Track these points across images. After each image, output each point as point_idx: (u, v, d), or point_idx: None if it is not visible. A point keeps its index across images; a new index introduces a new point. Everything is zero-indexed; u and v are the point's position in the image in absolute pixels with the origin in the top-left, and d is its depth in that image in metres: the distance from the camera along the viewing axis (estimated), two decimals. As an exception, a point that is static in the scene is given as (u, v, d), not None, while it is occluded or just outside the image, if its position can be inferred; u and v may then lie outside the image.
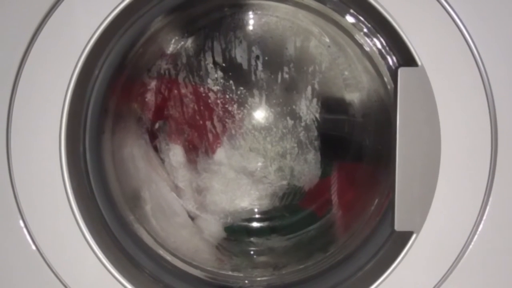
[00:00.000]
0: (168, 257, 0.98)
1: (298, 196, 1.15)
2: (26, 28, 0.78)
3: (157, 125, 1.11)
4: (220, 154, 1.13)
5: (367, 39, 0.90)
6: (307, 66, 1.09)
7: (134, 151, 1.07)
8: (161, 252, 0.99)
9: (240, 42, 1.09)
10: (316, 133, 1.11)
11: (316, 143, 1.12)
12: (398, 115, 0.79)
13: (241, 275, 1.03)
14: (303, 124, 1.11)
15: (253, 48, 1.09)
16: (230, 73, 1.10)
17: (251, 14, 1.09)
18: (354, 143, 1.12)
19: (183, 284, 0.93)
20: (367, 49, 0.92)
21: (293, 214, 1.16)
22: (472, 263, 0.81)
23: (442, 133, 0.78)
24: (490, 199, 0.80)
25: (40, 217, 0.81)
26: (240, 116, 1.11)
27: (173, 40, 1.08)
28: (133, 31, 0.89)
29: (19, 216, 0.81)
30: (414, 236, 0.80)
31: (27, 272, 0.82)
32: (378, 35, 0.87)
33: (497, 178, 0.79)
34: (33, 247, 0.81)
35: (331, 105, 1.11)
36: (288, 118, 1.11)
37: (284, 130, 1.12)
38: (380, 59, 0.89)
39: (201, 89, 1.11)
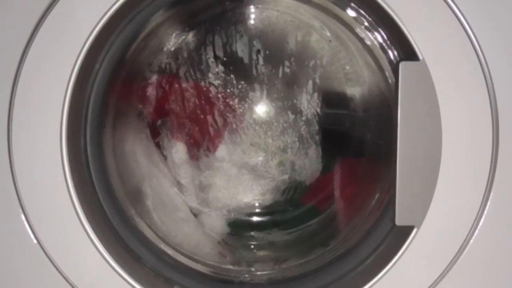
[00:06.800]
0: (169, 251, 0.99)
1: (299, 190, 1.15)
2: (27, 22, 0.78)
3: (159, 122, 1.11)
4: (222, 150, 1.13)
5: (368, 33, 0.90)
6: (308, 60, 1.09)
7: (135, 146, 1.07)
8: (162, 246, 0.99)
9: (241, 36, 1.09)
10: (317, 128, 1.11)
11: (317, 137, 1.12)
12: (399, 109, 0.79)
13: (242, 269, 1.03)
14: (304, 118, 1.11)
15: (254, 42, 1.09)
16: (231, 67, 1.10)
17: (252, 8, 1.09)
18: (355, 138, 1.12)
19: (184, 278, 0.94)
20: (368, 43, 0.91)
21: (294, 208, 1.16)
22: (472, 257, 0.81)
23: (443, 128, 0.78)
24: (491, 193, 0.79)
25: (41, 210, 0.81)
26: (241, 110, 1.11)
27: (174, 35, 1.08)
28: (133, 25, 0.89)
29: (20, 209, 0.81)
30: (414, 230, 0.80)
31: (28, 266, 0.82)
32: (379, 29, 0.87)
33: (498, 173, 0.79)
34: (34, 241, 0.81)
35: (332, 100, 1.11)
36: (289, 112, 1.11)
37: (285, 125, 1.11)
38: (381, 53, 0.88)
39: (202, 83, 1.11)
